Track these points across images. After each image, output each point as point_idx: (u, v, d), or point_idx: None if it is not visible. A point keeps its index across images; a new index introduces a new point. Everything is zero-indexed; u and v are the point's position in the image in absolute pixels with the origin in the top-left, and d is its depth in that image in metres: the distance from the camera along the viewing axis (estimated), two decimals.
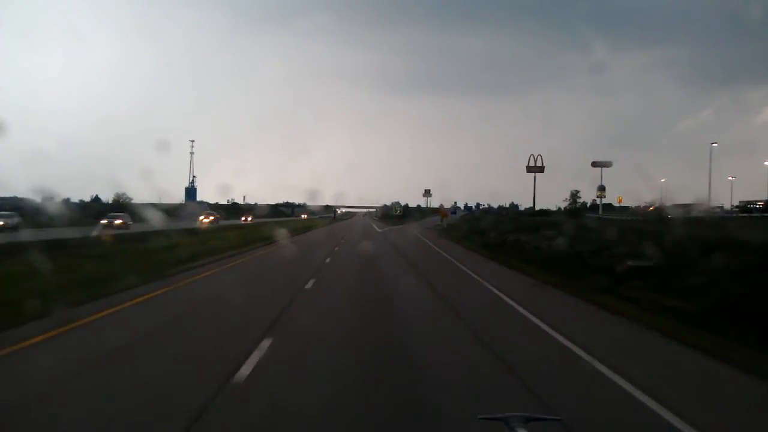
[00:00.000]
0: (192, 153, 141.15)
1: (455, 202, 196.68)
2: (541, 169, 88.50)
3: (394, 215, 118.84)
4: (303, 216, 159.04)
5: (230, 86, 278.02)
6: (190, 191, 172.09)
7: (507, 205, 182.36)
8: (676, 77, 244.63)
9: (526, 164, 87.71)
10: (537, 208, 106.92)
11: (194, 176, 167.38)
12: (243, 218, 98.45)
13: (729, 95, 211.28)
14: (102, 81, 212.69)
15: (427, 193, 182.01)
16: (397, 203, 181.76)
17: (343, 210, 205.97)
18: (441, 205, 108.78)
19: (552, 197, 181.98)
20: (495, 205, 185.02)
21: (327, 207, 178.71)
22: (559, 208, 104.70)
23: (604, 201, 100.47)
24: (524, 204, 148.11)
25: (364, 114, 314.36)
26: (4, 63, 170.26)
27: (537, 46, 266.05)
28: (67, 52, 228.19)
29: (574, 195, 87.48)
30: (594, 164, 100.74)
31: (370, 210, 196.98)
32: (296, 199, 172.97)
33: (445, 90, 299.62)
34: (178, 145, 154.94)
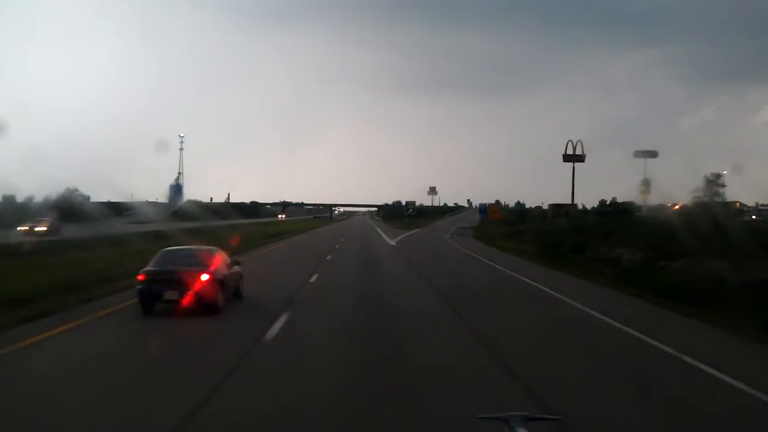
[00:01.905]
0: (181, 149, 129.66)
1: (467, 200, 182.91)
2: (582, 158, 74.43)
3: (406, 215, 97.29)
4: (281, 216, 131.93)
5: (232, 86, 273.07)
6: (175, 189, 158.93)
7: (512, 204, 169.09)
8: (677, 76, 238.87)
9: (563, 152, 74.01)
10: (561, 204, 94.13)
11: (180, 173, 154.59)
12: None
13: (730, 94, 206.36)
14: (103, 81, 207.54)
15: (432, 190, 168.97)
16: (400, 202, 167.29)
17: (341, 209, 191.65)
18: (496, 201, 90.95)
19: (565, 195, 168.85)
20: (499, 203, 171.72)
21: (325, 206, 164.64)
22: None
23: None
24: (532, 202, 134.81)
25: (364, 113, 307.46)
26: (4, 63, 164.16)
27: (541, 47, 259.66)
28: (67, 52, 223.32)
29: (714, 180, 60.31)
30: (637, 154, 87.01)
31: (371, 209, 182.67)
32: (295, 199, 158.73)
33: (447, 89, 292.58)
34: (177, 144, 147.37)
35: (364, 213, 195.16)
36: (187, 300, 12.95)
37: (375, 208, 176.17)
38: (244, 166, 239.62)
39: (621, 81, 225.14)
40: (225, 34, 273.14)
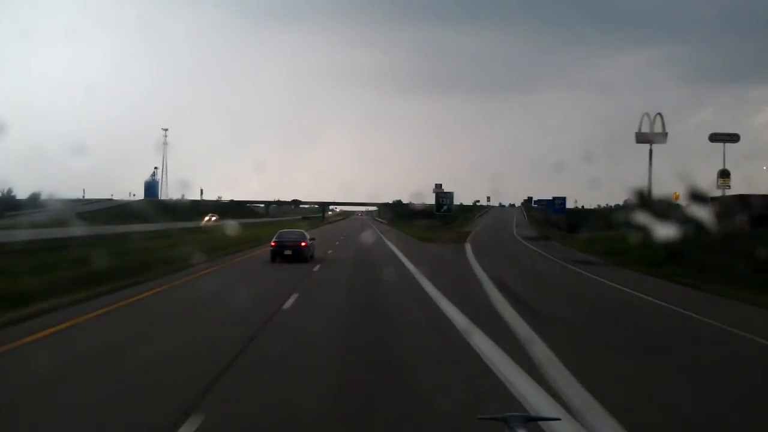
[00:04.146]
0: (165, 144, 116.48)
1: (487, 197, 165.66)
2: (663, 137, 58.34)
3: (438, 214, 61.22)
4: (209, 219, 78.70)
5: (231, 83, 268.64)
6: (150, 186, 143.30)
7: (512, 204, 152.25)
8: (677, 76, 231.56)
9: (636, 130, 57.69)
10: (577, 205, 76.97)
11: (156, 168, 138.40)
12: None
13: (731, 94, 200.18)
14: (102, 80, 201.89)
15: (438, 188, 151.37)
16: (401, 200, 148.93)
17: (338, 209, 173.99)
18: (529, 198, 67.01)
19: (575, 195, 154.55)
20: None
21: (321, 205, 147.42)
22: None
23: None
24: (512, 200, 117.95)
25: (364, 112, 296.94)
26: (4, 63, 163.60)
27: (542, 47, 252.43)
28: (67, 51, 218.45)
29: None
30: (713, 138, 70.55)
31: (370, 209, 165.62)
32: (293, 197, 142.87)
33: (447, 89, 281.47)
34: (177, 143, 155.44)
35: (361, 213, 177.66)
36: (294, 255, 26.71)
37: (375, 208, 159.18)
38: (242, 164, 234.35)
39: (621, 81, 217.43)
40: (225, 32, 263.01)
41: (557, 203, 61.05)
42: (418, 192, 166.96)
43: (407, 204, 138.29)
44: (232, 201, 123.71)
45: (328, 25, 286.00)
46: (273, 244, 27.14)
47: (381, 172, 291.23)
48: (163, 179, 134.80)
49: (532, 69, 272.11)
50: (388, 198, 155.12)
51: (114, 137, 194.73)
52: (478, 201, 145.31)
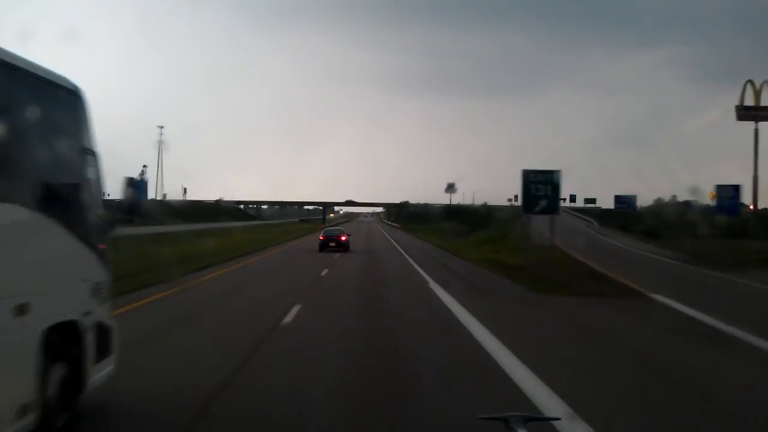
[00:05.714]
0: (161, 141, 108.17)
1: (511, 198, 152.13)
2: None
3: (533, 211, 30.58)
4: None
5: (235, 83, 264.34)
6: (138, 185, 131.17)
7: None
8: (683, 76, 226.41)
9: (737, 103, 44.89)
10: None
11: (145, 166, 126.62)
12: None
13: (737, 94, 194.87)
14: (105, 79, 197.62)
15: (451, 188, 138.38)
16: (408, 201, 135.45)
17: (342, 210, 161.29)
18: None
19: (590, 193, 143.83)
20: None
21: (323, 206, 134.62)
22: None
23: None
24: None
25: (369, 112, 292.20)
26: None
27: (546, 48, 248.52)
28: (67, 51, 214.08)
29: None
30: None
31: (376, 210, 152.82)
32: (299, 198, 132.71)
33: (454, 89, 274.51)
34: (176, 143, 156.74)
35: (367, 214, 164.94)
36: (337, 246, 36.03)
37: (382, 209, 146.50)
38: (243, 164, 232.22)
39: (627, 81, 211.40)
40: (227, 31, 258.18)
41: (726, 196, 34.67)
42: (426, 193, 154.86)
43: (423, 204, 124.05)
44: (221, 201, 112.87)
45: (335, 25, 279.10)
46: (321, 237, 37.32)
47: (385, 173, 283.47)
48: (158, 179, 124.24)
49: (538, 70, 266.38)
50: (394, 199, 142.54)
51: (111, 137, 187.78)
52: (512, 200, 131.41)
